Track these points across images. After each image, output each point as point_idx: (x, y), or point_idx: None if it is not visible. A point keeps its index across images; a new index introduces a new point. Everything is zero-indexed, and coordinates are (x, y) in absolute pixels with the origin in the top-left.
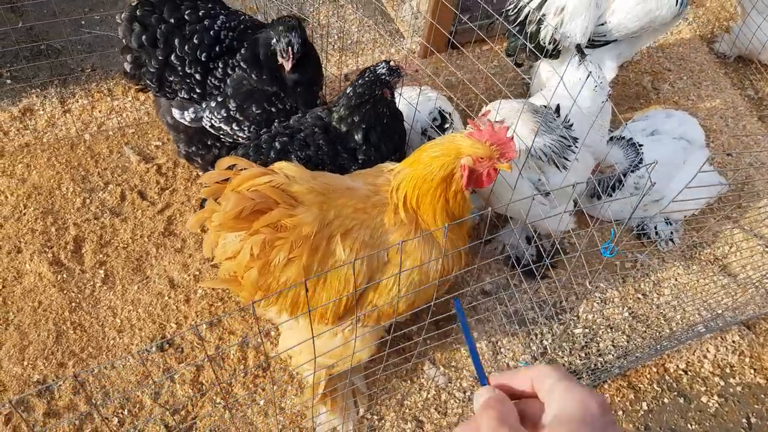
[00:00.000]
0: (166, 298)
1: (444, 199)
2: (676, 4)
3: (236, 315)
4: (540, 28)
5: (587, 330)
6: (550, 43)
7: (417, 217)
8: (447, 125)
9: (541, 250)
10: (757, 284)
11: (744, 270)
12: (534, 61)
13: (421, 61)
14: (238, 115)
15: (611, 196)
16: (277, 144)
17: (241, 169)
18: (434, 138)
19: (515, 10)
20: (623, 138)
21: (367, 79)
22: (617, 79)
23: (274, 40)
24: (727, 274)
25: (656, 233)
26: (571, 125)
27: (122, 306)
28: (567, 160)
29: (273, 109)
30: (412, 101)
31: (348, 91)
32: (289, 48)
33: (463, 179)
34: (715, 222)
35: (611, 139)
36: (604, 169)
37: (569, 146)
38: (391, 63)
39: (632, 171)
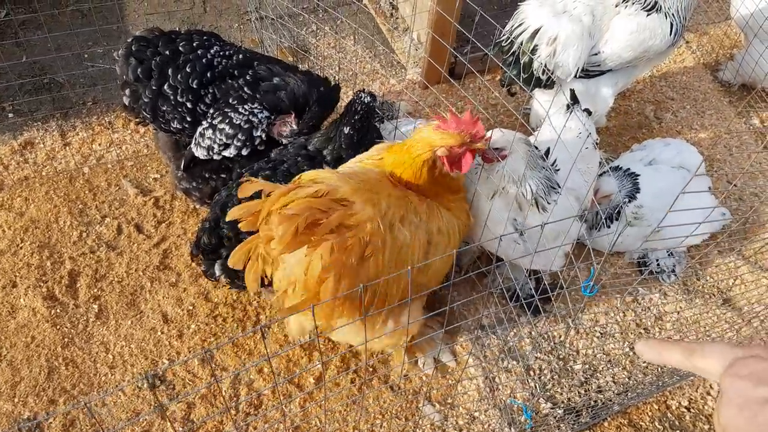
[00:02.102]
0: (159, 333)
1: (439, 182)
2: (670, 34)
3: (229, 351)
4: (533, 58)
5: (587, 366)
6: (543, 74)
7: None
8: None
9: (535, 284)
10: (762, 318)
11: (749, 303)
12: (530, 90)
13: (422, 93)
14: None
15: (609, 227)
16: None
17: (269, 193)
18: None
19: (508, 41)
20: (620, 168)
21: (362, 113)
22: (619, 109)
23: None
24: (731, 307)
25: (658, 265)
26: (558, 170)
27: (115, 341)
28: (548, 203)
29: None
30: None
31: (347, 132)
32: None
33: (445, 166)
34: (719, 254)
35: (608, 170)
36: (601, 200)
37: (554, 188)
38: (365, 90)
39: (629, 201)
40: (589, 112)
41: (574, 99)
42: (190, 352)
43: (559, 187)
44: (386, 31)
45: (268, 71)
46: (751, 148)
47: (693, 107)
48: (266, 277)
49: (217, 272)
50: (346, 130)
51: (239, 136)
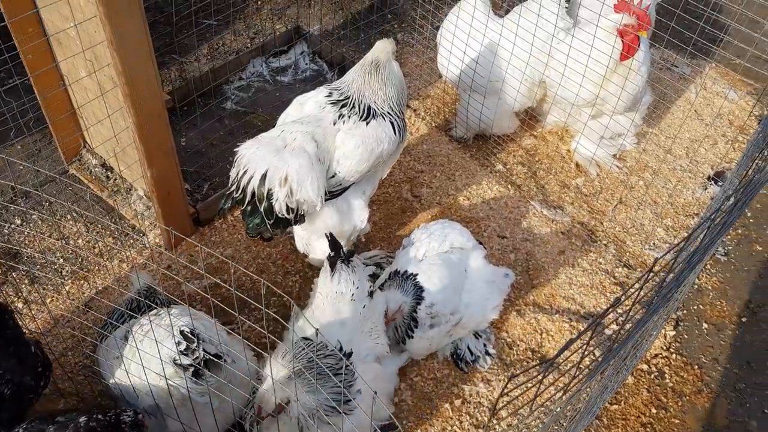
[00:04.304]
0: None
1: None
2: (395, 133)
3: None
4: (271, 202)
5: None
6: (288, 213)
7: None
8: (194, 347)
9: None
10: (581, 367)
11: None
12: (282, 233)
13: (171, 255)
14: None
15: (413, 337)
16: None
17: None
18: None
19: (239, 192)
20: (398, 273)
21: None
22: (378, 200)
23: None
24: (549, 364)
25: (471, 353)
26: (350, 353)
27: None
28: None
29: None
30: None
31: None
32: None
33: None
34: (518, 314)
35: (388, 277)
36: (394, 316)
37: (350, 384)
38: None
39: (418, 304)
40: (351, 253)
41: (335, 246)
42: None
43: (353, 376)
44: (107, 197)
45: None
46: (505, 194)
47: (442, 173)
48: None
49: None
50: None
51: None
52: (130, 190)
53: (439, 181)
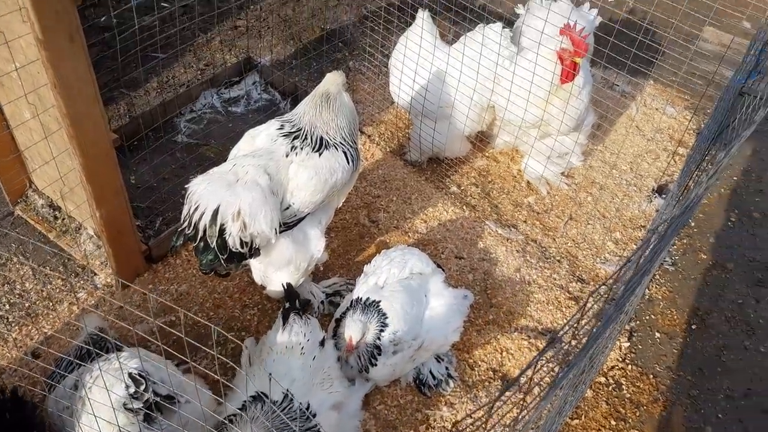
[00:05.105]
0: None
1: None
2: (349, 163)
3: None
4: (224, 237)
5: None
6: (242, 247)
7: None
8: (144, 390)
9: None
10: (540, 384)
11: (524, 375)
12: (240, 264)
13: (124, 294)
14: None
15: (377, 365)
16: None
17: None
18: None
19: (191, 229)
20: (360, 300)
21: None
22: (336, 227)
23: None
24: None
25: (433, 377)
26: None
27: None
28: None
29: None
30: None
31: None
32: None
33: None
34: (478, 334)
35: (350, 305)
36: (357, 344)
37: None
38: None
39: (381, 331)
40: (307, 302)
41: (290, 296)
42: None
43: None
44: (55, 237)
45: None
46: (460, 215)
47: (399, 197)
48: None
49: None
50: None
51: None
52: (79, 229)
53: (396, 205)
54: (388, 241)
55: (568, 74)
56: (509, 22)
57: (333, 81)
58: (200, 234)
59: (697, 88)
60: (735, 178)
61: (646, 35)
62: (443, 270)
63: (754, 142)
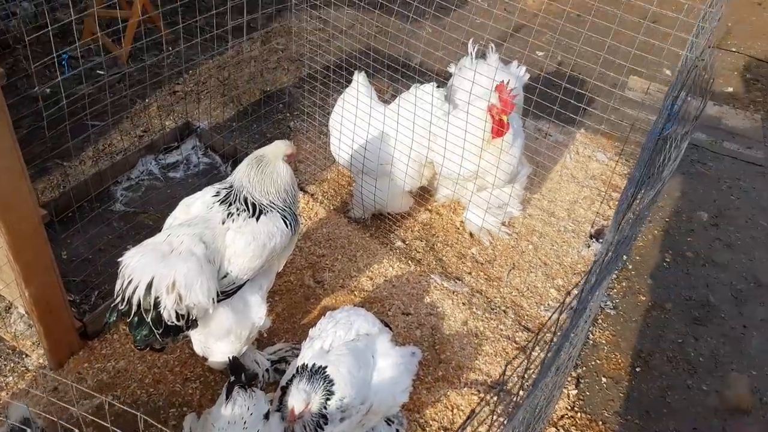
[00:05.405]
0: None
1: None
2: (287, 227)
3: None
4: (159, 311)
5: None
6: (179, 320)
7: None
8: None
9: None
10: None
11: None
12: (177, 337)
13: (59, 373)
14: None
15: None
16: None
17: None
18: None
19: (125, 304)
20: (306, 366)
21: None
22: (280, 289)
23: None
24: None
25: None
26: None
27: None
28: None
29: None
30: None
31: None
32: None
33: None
34: (427, 392)
35: (296, 372)
36: (301, 414)
37: None
38: None
39: (328, 399)
40: (254, 376)
41: (235, 370)
42: None
43: None
44: None
45: None
46: (406, 270)
47: (344, 255)
48: None
49: None
50: None
51: None
52: (9, 308)
53: (341, 264)
54: (334, 301)
55: (498, 130)
56: (445, 80)
57: (273, 148)
58: (134, 309)
59: (625, 134)
60: (667, 219)
61: (575, 85)
62: (390, 328)
63: (682, 184)
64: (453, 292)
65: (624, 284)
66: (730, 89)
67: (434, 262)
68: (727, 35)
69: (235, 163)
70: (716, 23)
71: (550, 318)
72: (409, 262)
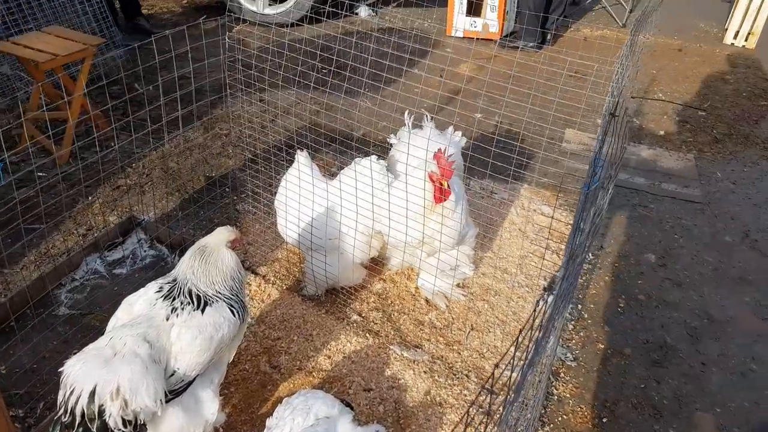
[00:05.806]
0: None
1: None
2: (235, 316)
3: None
4: (104, 419)
5: None
6: (126, 426)
7: None
8: None
9: None
10: None
11: None
12: None
13: None
14: None
15: None
16: None
17: None
18: None
19: (68, 416)
20: None
21: None
22: (235, 379)
23: None
24: None
25: None
26: None
27: None
28: None
29: None
30: None
31: None
32: None
33: None
34: None
35: None
36: None
37: None
38: None
39: None
40: None
41: None
42: None
43: None
44: None
45: None
46: (364, 344)
47: (300, 336)
48: None
49: None
50: None
51: None
52: None
53: (298, 345)
54: (292, 385)
55: (439, 197)
56: (390, 149)
57: (216, 236)
58: (78, 419)
59: (567, 186)
60: (615, 264)
61: (515, 141)
62: (352, 407)
63: (627, 227)
64: (413, 362)
65: (582, 334)
66: (662, 132)
67: (392, 332)
68: (653, 82)
69: (183, 253)
70: (628, 74)
71: (490, 377)
72: (367, 335)
